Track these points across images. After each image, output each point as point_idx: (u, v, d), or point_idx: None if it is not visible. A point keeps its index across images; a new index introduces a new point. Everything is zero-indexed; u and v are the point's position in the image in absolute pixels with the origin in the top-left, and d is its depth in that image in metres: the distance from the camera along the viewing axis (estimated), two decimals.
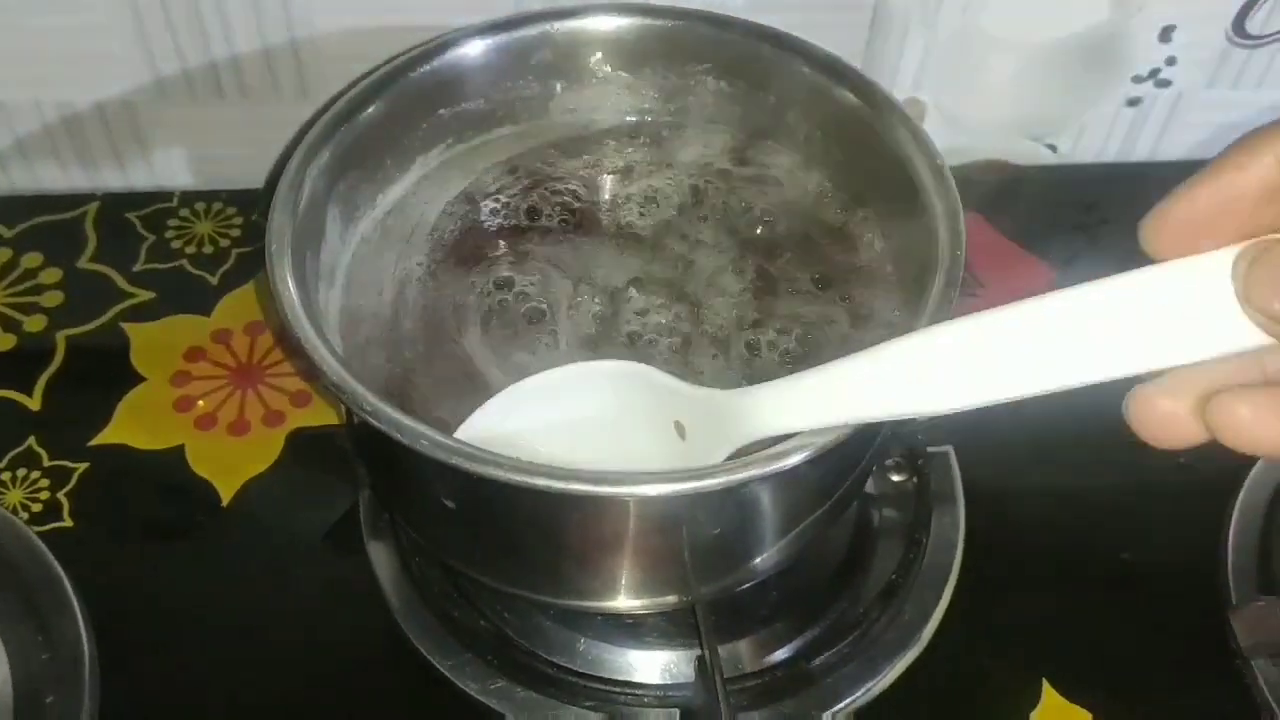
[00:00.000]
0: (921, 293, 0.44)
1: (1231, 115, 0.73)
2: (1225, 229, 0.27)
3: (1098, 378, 0.29)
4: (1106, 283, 0.29)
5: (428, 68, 0.52)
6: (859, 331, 0.49)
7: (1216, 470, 0.58)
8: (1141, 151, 0.75)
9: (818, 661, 0.52)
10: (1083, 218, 0.72)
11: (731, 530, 0.45)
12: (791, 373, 0.39)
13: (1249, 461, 0.58)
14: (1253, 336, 0.27)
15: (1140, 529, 0.57)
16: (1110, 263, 0.71)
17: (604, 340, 0.48)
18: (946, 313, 0.42)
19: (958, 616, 0.54)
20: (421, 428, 0.39)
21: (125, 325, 0.65)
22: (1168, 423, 0.29)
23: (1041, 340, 0.30)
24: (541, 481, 0.37)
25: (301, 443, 0.58)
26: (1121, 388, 0.60)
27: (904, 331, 0.34)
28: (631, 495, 0.39)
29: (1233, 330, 0.27)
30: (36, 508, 0.57)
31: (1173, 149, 0.75)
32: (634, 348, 0.48)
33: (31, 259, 0.68)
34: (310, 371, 0.41)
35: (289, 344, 0.58)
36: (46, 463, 0.59)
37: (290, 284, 0.43)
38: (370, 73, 0.51)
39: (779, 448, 0.39)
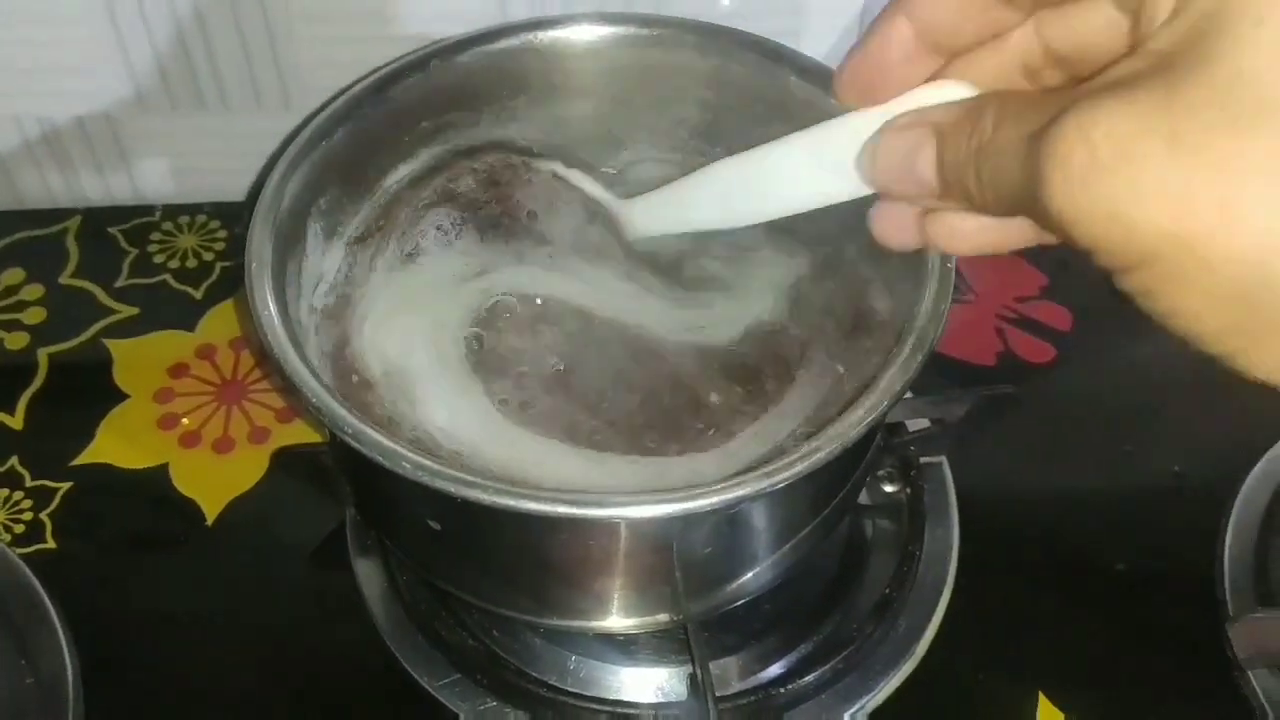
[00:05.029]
0: (912, 302, 0.43)
1: None
2: (888, 85, 0.34)
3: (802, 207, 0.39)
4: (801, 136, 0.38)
5: (410, 80, 0.51)
6: (849, 339, 0.48)
7: (1211, 480, 0.58)
8: None
9: (812, 677, 0.51)
10: None
11: (722, 548, 0.45)
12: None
13: (1243, 470, 0.58)
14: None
15: (1135, 540, 0.57)
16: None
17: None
18: (939, 323, 0.42)
19: (952, 629, 0.53)
20: (404, 450, 0.38)
21: (108, 342, 0.64)
22: (899, 224, 0.35)
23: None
24: (526, 504, 0.37)
25: (287, 460, 0.57)
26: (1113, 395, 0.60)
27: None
28: (619, 517, 0.39)
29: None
30: (19, 529, 0.57)
31: None
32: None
33: (13, 275, 0.67)
34: (291, 392, 0.40)
35: (270, 363, 0.58)
36: (29, 483, 0.58)
37: (271, 303, 0.42)
38: (351, 86, 0.50)
39: (769, 465, 0.38)
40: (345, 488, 0.53)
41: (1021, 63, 0.34)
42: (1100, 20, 0.30)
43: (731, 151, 0.54)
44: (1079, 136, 0.25)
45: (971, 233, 0.34)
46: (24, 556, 0.54)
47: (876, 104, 0.35)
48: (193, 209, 0.71)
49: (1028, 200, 0.27)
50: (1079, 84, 0.28)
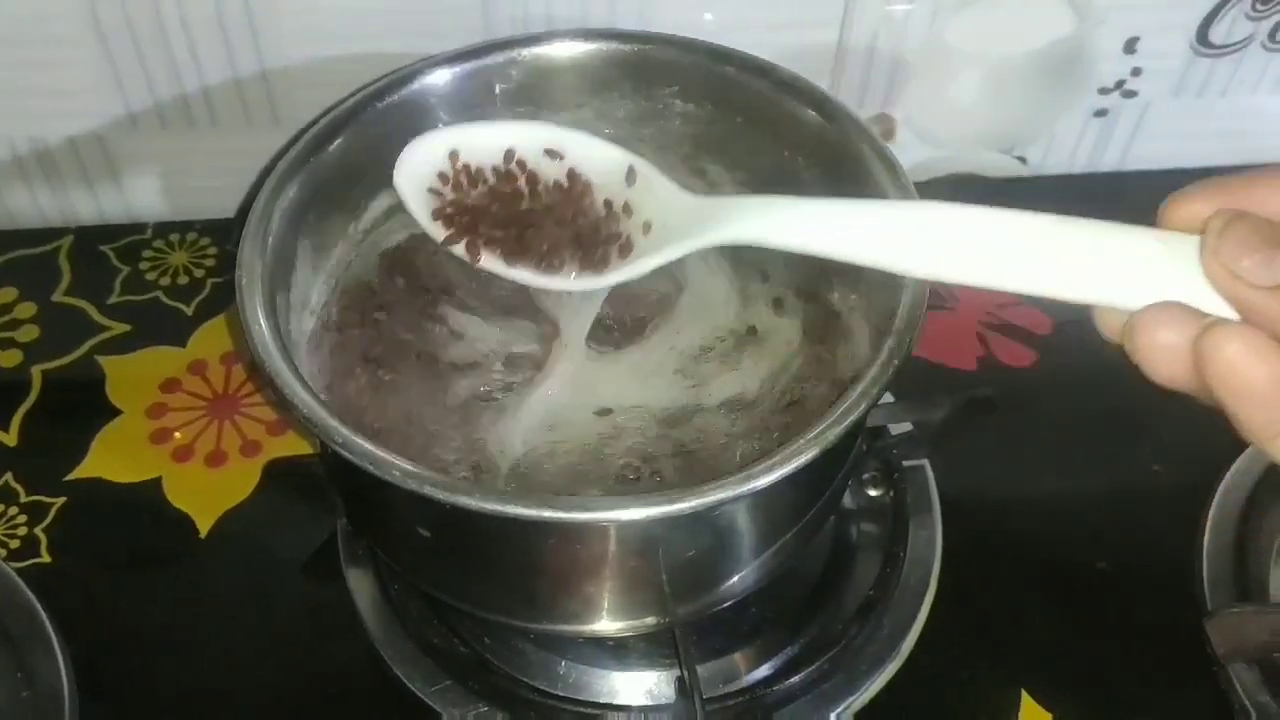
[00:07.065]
0: (888, 312, 0.44)
1: (1197, 124, 0.73)
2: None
3: (1054, 293, 0.33)
4: (1092, 222, 0.32)
5: (396, 97, 0.52)
6: (826, 346, 0.49)
7: (1189, 479, 0.59)
8: (1110, 161, 0.75)
9: (798, 678, 0.52)
10: None
11: (708, 551, 0.45)
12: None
13: (1221, 468, 0.59)
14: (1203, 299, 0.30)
15: (1115, 539, 0.58)
16: None
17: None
18: (914, 333, 0.43)
19: (936, 629, 0.54)
20: (394, 459, 0.39)
21: (101, 358, 0.65)
22: (1168, 355, 0.30)
23: (1017, 246, 0.33)
24: (513, 509, 0.38)
25: (278, 472, 0.57)
26: (1092, 398, 0.60)
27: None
28: (604, 520, 0.40)
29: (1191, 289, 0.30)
30: (14, 544, 0.57)
31: (1141, 158, 0.75)
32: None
33: (6, 294, 0.68)
34: (282, 404, 0.41)
35: (261, 376, 0.58)
36: (24, 498, 0.59)
37: (261, 317, 0.43)
38: (339, 103, 0.51)
39: (751, 469, 0.39)
40: (336, 498, 0.54)
41: None
42: None
43: (723, 160, 0.56)
44: None
45: None
46: (19, 571, 0.55)
47: None
48: (183, 226, 0.72)
49: None
50: None
